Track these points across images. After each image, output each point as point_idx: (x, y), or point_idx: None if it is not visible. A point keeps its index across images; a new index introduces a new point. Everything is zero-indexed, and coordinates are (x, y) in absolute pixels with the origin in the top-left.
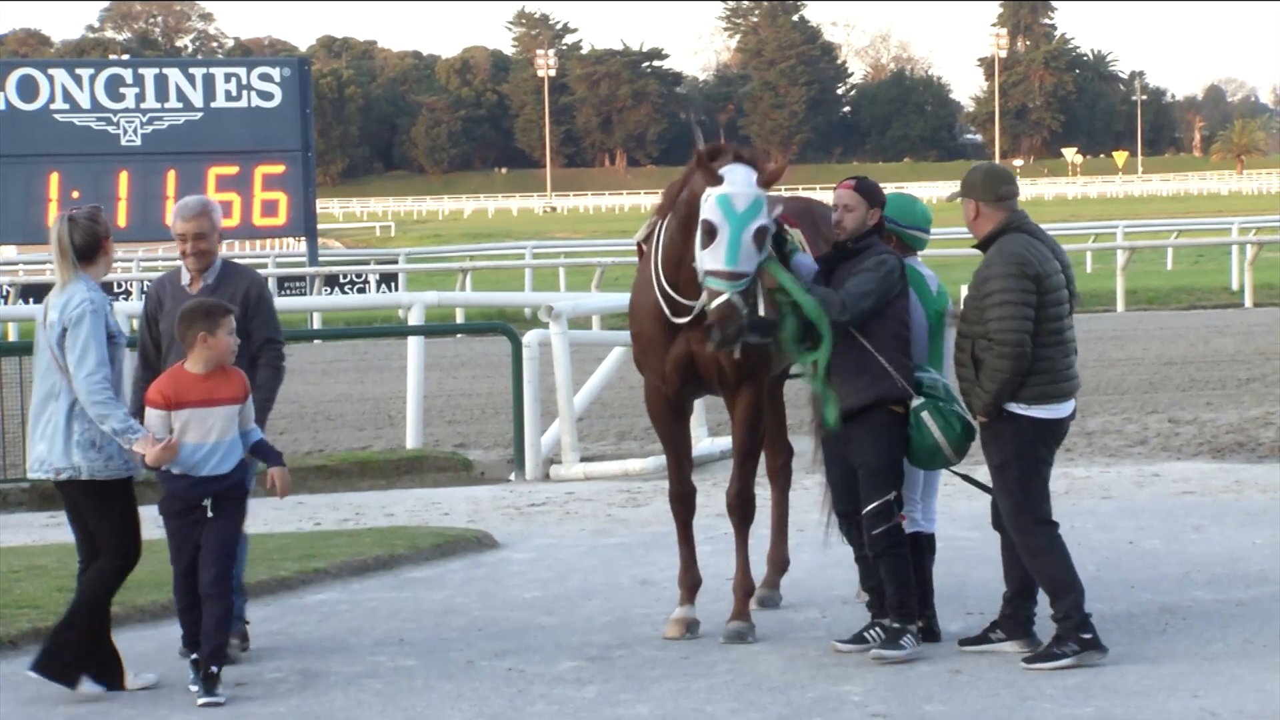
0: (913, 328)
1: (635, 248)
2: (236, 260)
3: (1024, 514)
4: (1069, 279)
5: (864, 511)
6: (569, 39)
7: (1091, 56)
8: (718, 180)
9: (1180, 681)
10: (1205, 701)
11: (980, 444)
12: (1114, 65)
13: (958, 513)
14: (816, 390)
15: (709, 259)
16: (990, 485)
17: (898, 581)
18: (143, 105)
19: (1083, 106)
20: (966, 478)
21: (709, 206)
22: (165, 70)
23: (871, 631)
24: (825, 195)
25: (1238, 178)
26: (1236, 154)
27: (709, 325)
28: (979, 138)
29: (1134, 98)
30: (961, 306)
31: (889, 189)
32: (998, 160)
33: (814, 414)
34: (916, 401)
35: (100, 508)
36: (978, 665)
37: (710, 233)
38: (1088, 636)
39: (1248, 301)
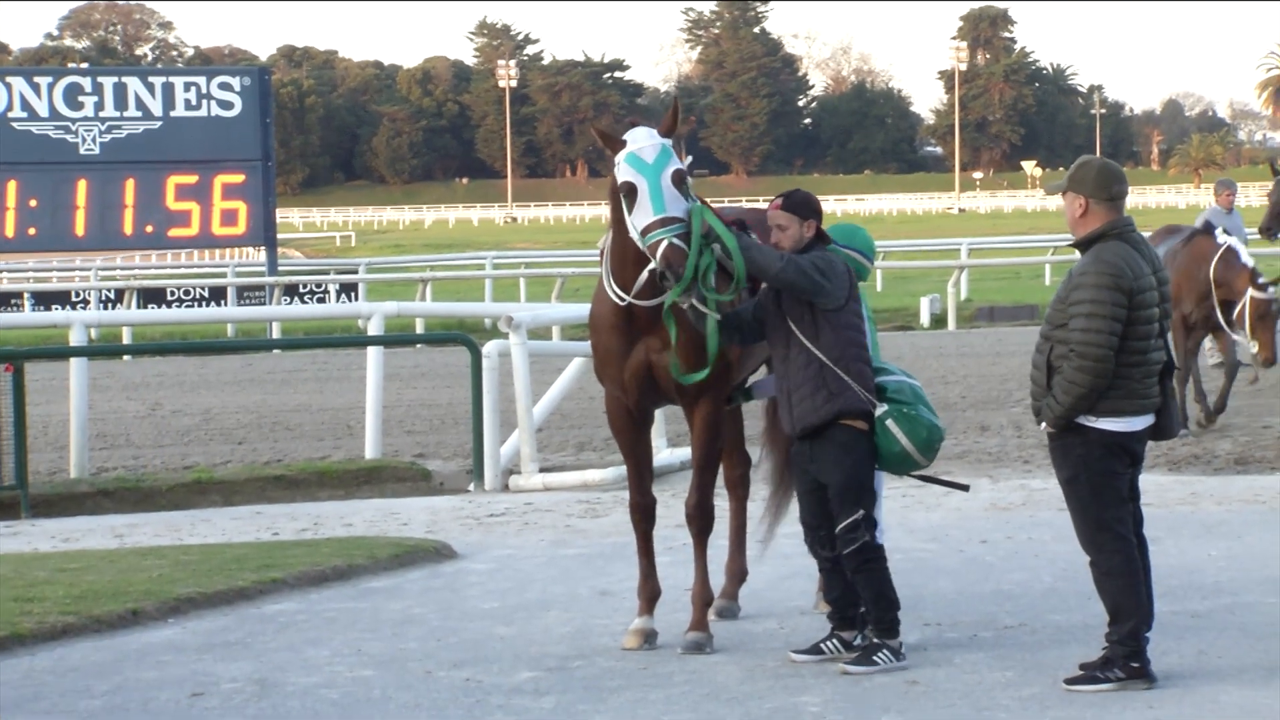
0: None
1: (600, 254)
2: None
3: (1101, 531)
4: (1165, 296)
5: (836, 530)
6: (530, 50)
7: (1051, 70)
8: (622, 144)
9: (1136, 693)
10: (1160, 713)
11: (1050, 456)
12: (1073, 79)
13: (916, 524)
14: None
15: (639, 216)
16: (947, 480)
17: (873, 597)
18: (101, 114)
19: (1042, 120)
20: (930, 478)
21: (622, 170)
22: (124, 79)
23: (829, 643)
24: None
25: (1195, 191)
26: (1194, 168)
27: (661, 272)
28: (939, 150)
29: (1093, 111)
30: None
31: (850, 201)
32: (957, 173)
33: (765, 424)
34: (880, 410)
35: None
36: (934, 676)
37: (631, 192)
38: (1136, 665)
39: None
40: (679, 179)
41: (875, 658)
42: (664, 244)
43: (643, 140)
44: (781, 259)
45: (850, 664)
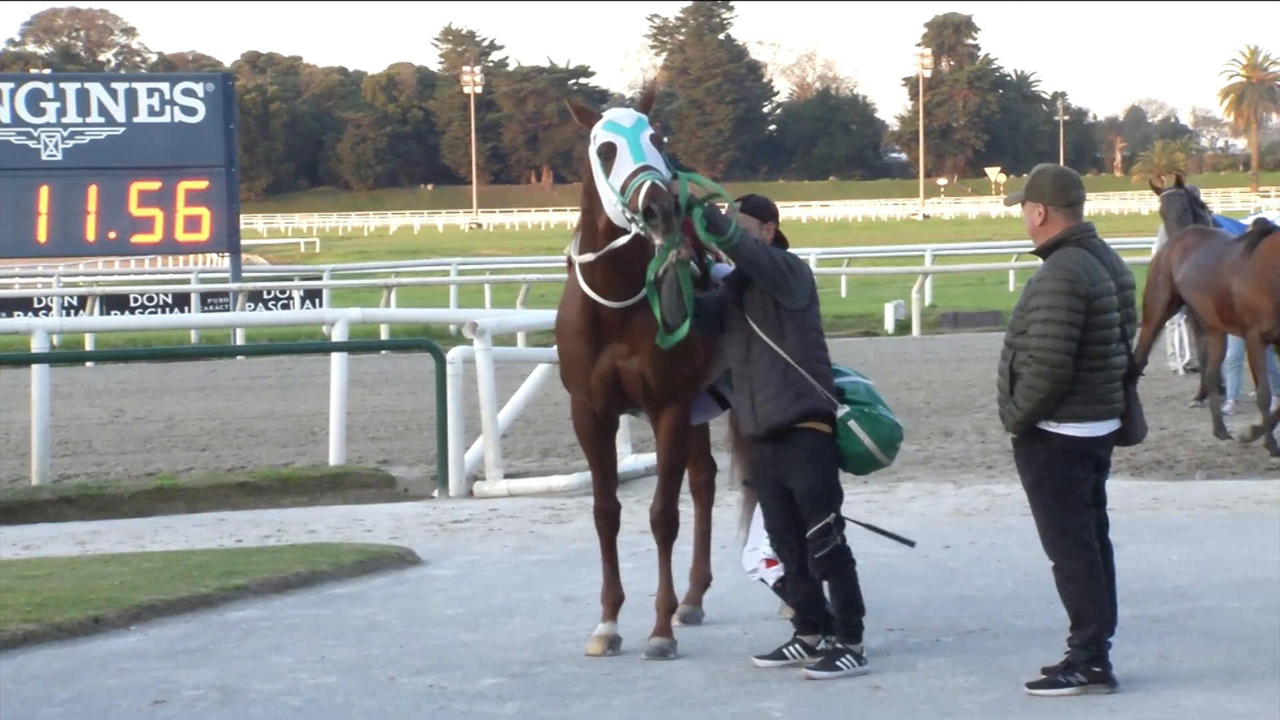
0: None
1: (565, 261)
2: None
3: (1064, 536)
4: (1126, 301)
5: (806, 535)
6: (495, 56)
7: (1015, 77)
8: (598, 116)
9: (1098, 698)
10: (1121, 717)
11: (1014, 462)
12: (1037, 86)
13: None
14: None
15: (619, 171)
16: (895, 533)
17: (842, 602)
18: (64, 120)
19: (1006, 126)
20: (872, 528)
21: (600, 135)
22: (87, 85)
23: (791, 648)
24: None
25: (1157, 199)
26: (1157, 174)
27: (645, 210)
28: (904, 156)
29: (1056, 118)
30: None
31: (814, 207)
32: (921, 179)
33: (731, 430)
34: (842, 411)
35: None
36: (897, 681)
37: (610, 152)
38: (1098, 670)
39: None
40: (656, 141)
41: (838, 663)
42: (646, 184)
43: (621, 112)
44: (756, 239)
45: (813, 669)
